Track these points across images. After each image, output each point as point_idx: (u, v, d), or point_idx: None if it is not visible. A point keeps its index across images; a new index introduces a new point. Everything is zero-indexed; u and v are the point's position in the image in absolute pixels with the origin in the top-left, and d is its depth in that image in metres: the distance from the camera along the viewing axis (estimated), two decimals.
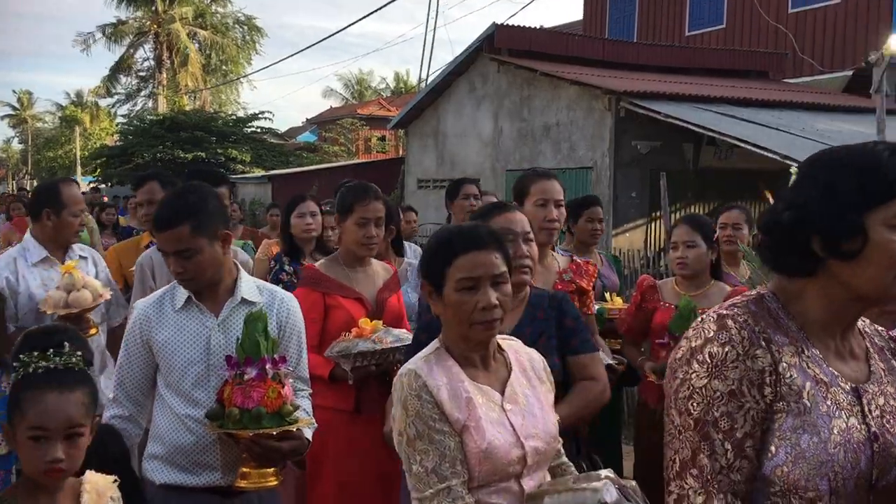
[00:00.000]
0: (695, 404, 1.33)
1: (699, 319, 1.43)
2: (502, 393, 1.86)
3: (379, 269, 3.24)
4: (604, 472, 1.81)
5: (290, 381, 2.20)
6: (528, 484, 1.82)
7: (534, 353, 2.02)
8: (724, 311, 1.39)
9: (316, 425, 2.37)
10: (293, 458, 2.33)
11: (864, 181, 1.30)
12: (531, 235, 2.53)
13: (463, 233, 1.89)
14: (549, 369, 2.02)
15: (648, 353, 3.54)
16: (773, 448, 1.32)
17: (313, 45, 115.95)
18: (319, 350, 2.93)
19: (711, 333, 1.35)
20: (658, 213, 11.11)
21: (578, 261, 3.11)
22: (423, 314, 2.58)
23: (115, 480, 1.83)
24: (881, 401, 1.39)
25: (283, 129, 36.03)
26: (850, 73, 13.93)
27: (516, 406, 1.86)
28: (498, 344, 1.93)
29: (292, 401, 2.15)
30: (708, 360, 1.33)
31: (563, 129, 12.73)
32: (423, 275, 1.95)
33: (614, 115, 11.72)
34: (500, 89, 14.01)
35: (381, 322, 2.98)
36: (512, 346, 1.99)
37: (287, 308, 2.42)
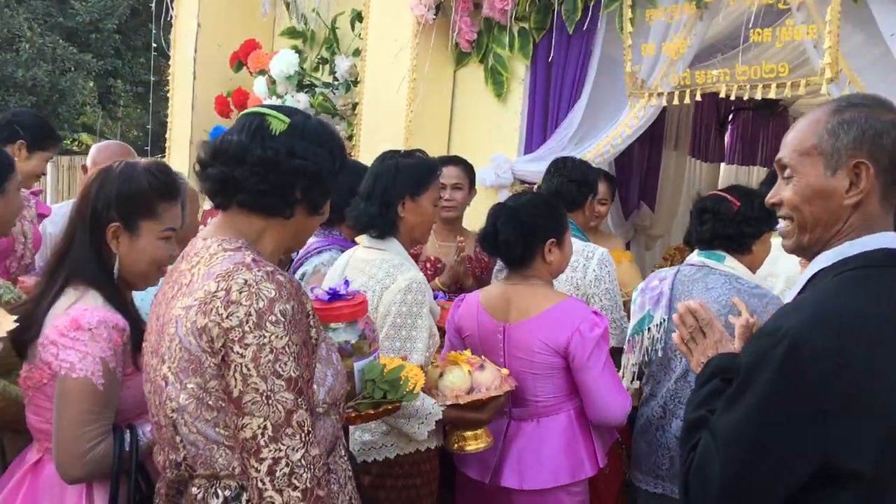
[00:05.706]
0: (283, 365, 1.30)
1: (244, 281, 1.33)
2: None
3: None
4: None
5: None
6: None
7: None
8: (269, 268, 1.35)
9: None
10: None
11: None
12: None
13: None
14: None
15: None
16: (327, 375, 1.45)
17: None
18: None
19: (273, 293, 1.32)
20: None
21: None
22: None
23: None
24: None
25: None
26: None
27: None
28: None
29: None
30: (282, 318, 1.31)
31: None
32: None
33: None
34: None
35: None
36: None
37: None
